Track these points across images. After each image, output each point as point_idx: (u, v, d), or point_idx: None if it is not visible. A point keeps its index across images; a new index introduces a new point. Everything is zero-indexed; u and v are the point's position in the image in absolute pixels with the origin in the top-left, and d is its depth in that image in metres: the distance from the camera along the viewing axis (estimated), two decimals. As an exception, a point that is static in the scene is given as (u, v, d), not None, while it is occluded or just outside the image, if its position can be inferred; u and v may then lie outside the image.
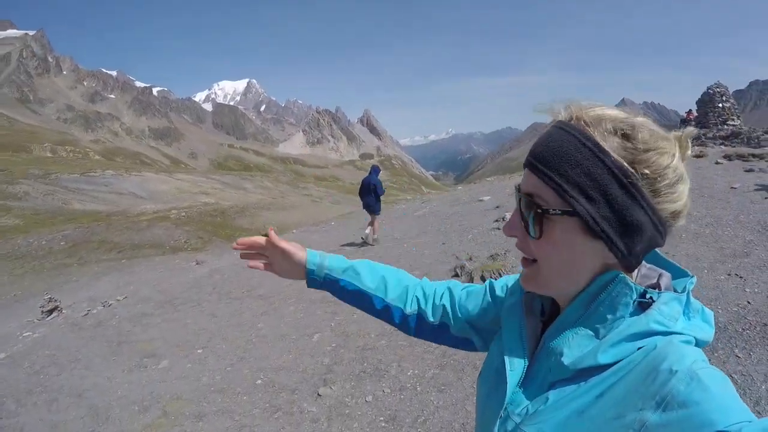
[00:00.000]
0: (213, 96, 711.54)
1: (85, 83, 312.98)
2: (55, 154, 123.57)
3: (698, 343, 0.70)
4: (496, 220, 10.53)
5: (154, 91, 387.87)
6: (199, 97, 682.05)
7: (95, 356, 6.48)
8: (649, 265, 0.79)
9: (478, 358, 4.64)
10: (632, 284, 0.70)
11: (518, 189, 0.76)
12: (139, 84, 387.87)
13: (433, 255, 8.86)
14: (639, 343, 0.68)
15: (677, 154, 0.69)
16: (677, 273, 0.78)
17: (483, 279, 6.54)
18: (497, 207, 12.64)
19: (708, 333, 0.72)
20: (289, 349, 5.68)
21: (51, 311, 9.12)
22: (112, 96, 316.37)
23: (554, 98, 0.78)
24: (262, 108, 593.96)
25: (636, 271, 0.76)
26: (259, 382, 4.94)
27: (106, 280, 12.51)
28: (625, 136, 0.68)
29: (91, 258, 16.71)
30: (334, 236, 14.10)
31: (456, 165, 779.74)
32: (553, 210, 0.70)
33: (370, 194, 11.13)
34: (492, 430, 0.79)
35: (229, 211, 27.48)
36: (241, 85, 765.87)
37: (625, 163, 0.67)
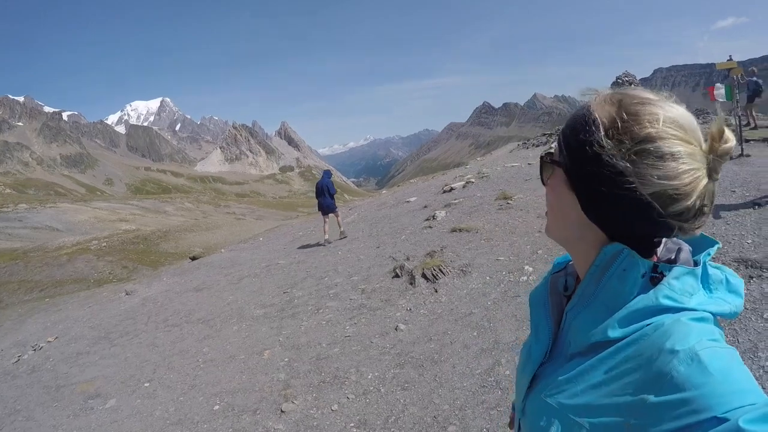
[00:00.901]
0: (126, 117, 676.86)
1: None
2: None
3: (725, 316, 0.70)
4: (427, 219, 10.71)
5: (64, 115, 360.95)
6: (112, 119, 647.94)
7: (35, 405, 5.99)
8: (675, 239, 0.77)
9: (435, 352, 4.73)
10: (639, 258, 0.70)
11: None
12: (48, 109, 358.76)
13: (369, 259, 8.89)
14: (649, 320, 0.68)
15: (681, 137, 0.67)
16: (706, 244, 0.77)
17: (425, 276, 6.63)
18: (425, 206, 12.86)
19: (734, 304, 0.71)
20: (241, 370, 5.53)
21: (-25, 363, 8.41)
22: (20, 123, 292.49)
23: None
24: (178, 127, 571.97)
25: (662, 245, 0.77)
26: (217, 407, 4.77)
27: (32, 321, 11.62)
28: (622, 110, 0.70)
29: (13, 300, 15.65)
30: (264, 252, 13.79)
31: (376, 170, 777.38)
32: (549, 158, 0.81)
33: (325, 195, 11.91)
34: (521, 399, 0.89)
35: (152, 236, 26.57)
36: (154, 104, 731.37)
37: (609, 139, 0.68)
